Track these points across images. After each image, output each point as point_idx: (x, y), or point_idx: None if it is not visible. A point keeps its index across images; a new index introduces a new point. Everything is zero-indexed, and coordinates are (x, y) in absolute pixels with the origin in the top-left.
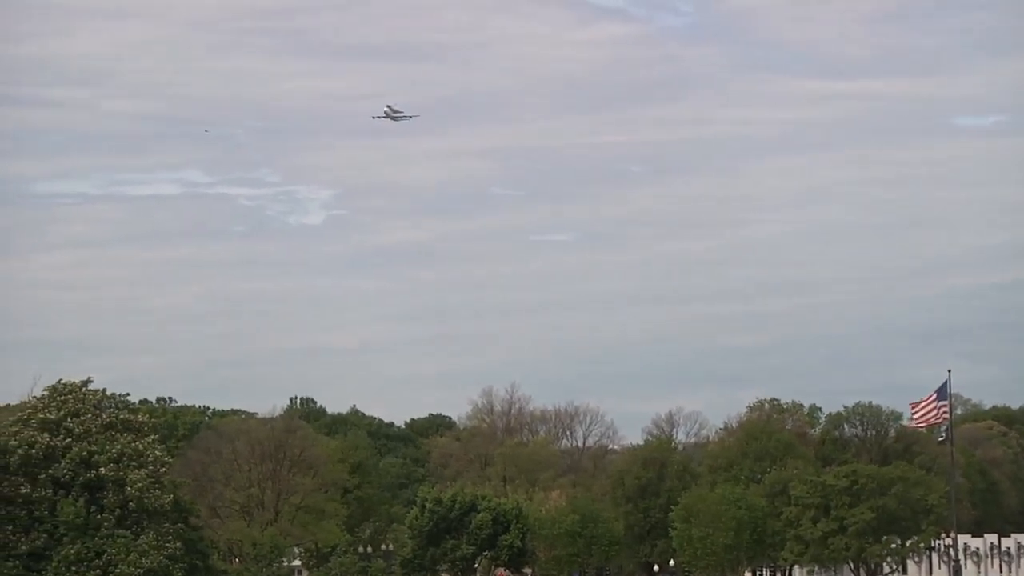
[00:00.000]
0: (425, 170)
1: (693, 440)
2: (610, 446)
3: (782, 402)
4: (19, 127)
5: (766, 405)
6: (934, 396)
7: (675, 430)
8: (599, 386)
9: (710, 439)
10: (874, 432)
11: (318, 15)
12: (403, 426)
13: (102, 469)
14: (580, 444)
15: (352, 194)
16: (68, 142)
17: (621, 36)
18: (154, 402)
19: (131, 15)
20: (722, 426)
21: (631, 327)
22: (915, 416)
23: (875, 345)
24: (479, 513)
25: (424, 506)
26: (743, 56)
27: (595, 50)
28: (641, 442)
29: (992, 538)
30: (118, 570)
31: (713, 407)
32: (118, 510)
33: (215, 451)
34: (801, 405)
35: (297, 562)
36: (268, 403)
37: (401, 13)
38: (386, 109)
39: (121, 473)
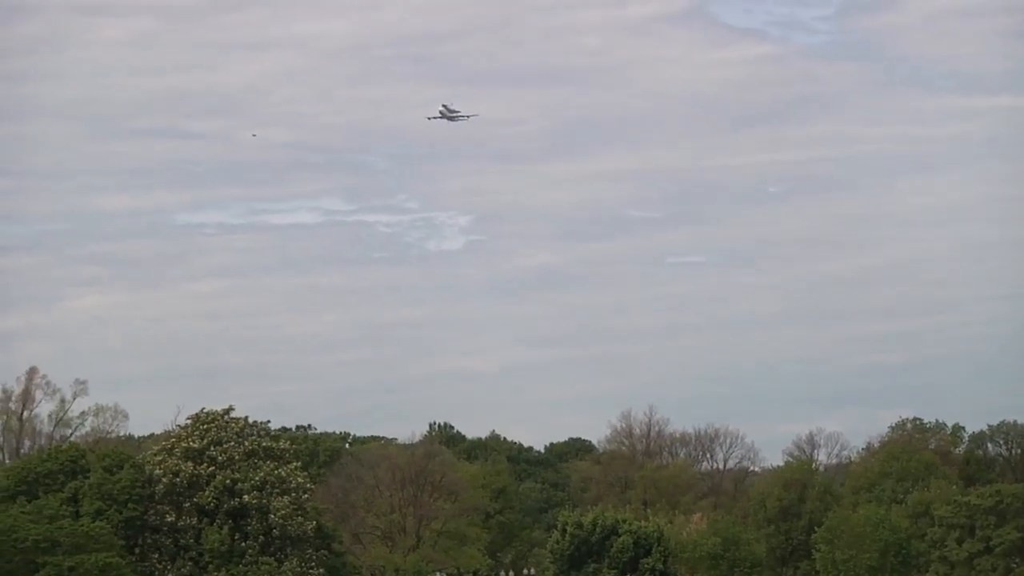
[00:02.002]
0: (562, 193)
1: (835, 461)
2: (751, 468)
3: (925, 422)
4: (162, 159)
5: (908, 425)
6: None
7: (816, 451)
8: (739, 408)
9: (852, 460)
10: (1019, 451)
11: (455, 42)
12: (542, 450)
13: (246, 497)
14: (720, 466)
15: (490, 219)
16: (209, 173)
17: (757, 56)
18: (295, 429)
19: (271, 46)
20: (864, 447)
21: (770, 348)
22: None
23: (1019, 363)
24: (620, 537)
25: (565, 530)
26: (881, 73)
27: (731, 71)
28: (782, 464)
29: None
30: None
31: (854, 428)
32: (262, 537)
33: (356, 477)
34: (944, 424)
35: None
36: (408, 429)
37: (537, 39)
38: (441, 109)
39: (264, 500)
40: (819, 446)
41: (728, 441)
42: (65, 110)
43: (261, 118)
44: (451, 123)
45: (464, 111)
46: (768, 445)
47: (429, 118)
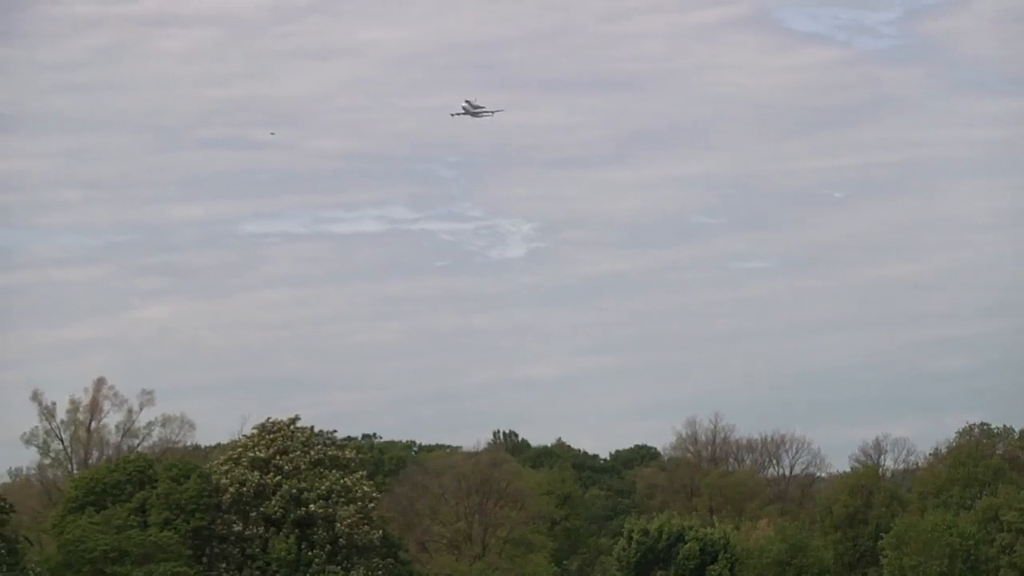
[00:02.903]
0: (625, 200)
1: (901, 467)
2: (817, 474)
3: (992, 426)
4: (226, 169)
5: (976, 430)
6: None
7: (883, 457)
8: (805, 414)
9: (919, 465)
10: None
11: (516, 49)
12: (608, 457)
13: (312, 506)
14: (787, 473)
15: (553, 226)
16: (274, 182)
17: (821, 61)
18: (360, 438)
19: (334, 55)
20: (931, 452)
21: (836, 353)
22: None
23: None
24: (686, 544)
25: (631, 537)
26: (946, 77)
27: (795, 75)
28: (848, 470)
29: None
30: None
31: (921, 433)
32: (328, 546)
33: (422, 486)
34: (1012, 429)
35: None
36: (473, 437)
37: (599, 45)
38: (465, 105)
39: (330, 509)
40: (886, 452)
41: (794, 447)
42: (130, 121)
43: (324, 127)
44: (475, 119)
45: (489, 106)
46: (835, 451)
47: (452, 114)
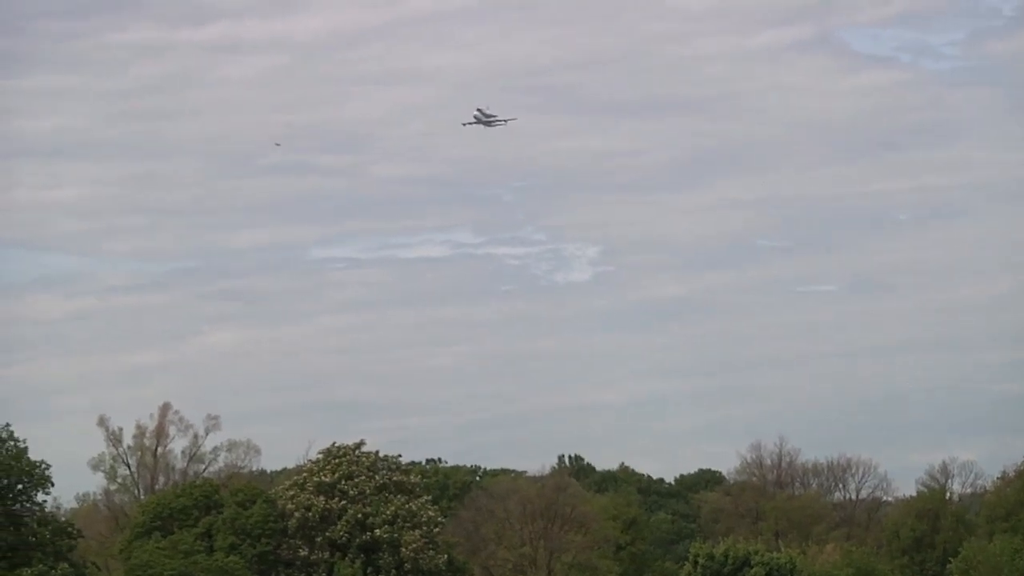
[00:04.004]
0: (690, 223)
1: (969, 491)
2: (884, 498)
3: None
4: (292, 194)
5: None
6: None
7: (950, 480)
8: (871, 437)
9: (986, 489)
10: None
11: (581, 72)
12: (672, 482)
13: (377, 531)
14: (853, 497)
15: (618, 250)
16: (339, 208)
17: (886, 83)
18: (425, 463)
19: (397, 81)
20: (998, 475)
21: (902, 376)
22: None
23: None
24: (752, 568)
25: (697, 562)
26: (1011, 98)
27: (859, 97)
28: (915, 494)
29: None
30: None
31: (988, 456)
32: (394, 571)
33: (487, 510)
34: None
35: None
36: (538, 461)
37: (662, 67)
38: (476, 114)
39: (396, 534)
40: (953, 475)
41: (860, 471)
42: (197, 147)
43: (388, 152)
44: (487, 128)
45: (501, 115)
46: (901, 474)
47: (464, 124)
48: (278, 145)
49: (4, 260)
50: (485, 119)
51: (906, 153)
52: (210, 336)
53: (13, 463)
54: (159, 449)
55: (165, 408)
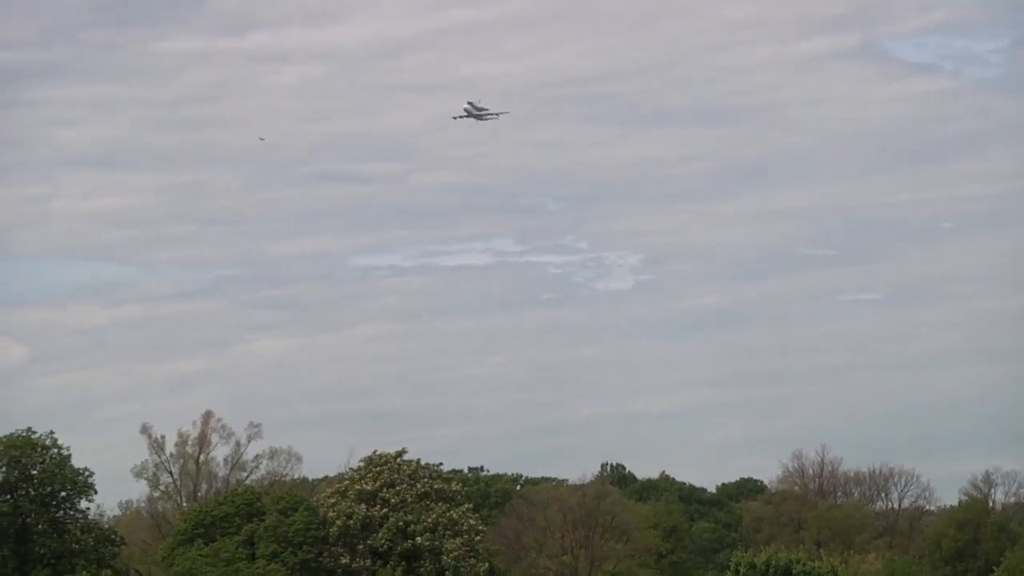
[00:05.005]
0: (733, 232)
1: (1012, 500)
2: (926, 507)
3: None
4: (335, 203)
5: None
6: None
7: (993, 490)
8: (913, 446)
9: None
10: None
11: (623, 82)
12: (714, 491)
13: (418, 538)
14: (895, 506)
15: (660, 259)
16: (381, 216)
17: (930, 91)
18: (467, 471)
19: (439, 90)
20: None
21: (945, 385)
22: None
23: None
24: None
25: (738, 571)
26: None
27: (903, 106)
28: (958, 503)
29: None
30: None
31: None
32: None
33: (528, 519)
34: None
35: None
36: (579, 470)
37: (704, 77)
38: (467, 107)
39: (437, 542)
40: (996, 485)
41: (903, 480)
42: (240, 156)
43: (431, 161)
44: (480, 122)
45: (492, 108)
46: (944, 484)
47: (455, 117)
48: (262, 140)
49: (49, 269)
50: (476, 112)
51: (950, 161)
52: (253, 344)
53: (57, 471)
54: (201, 457)
55: (207, 416)
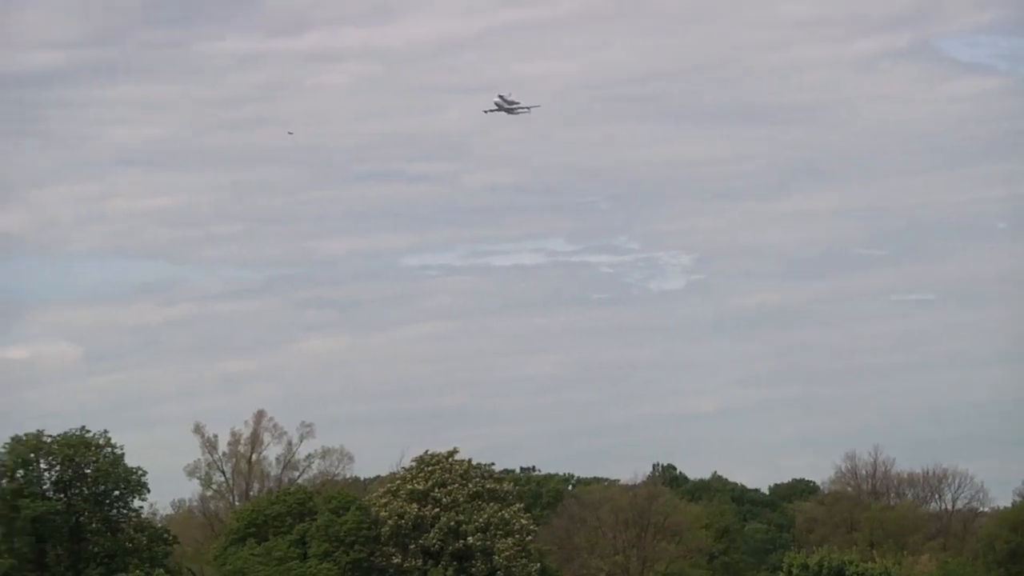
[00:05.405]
0: (785, 232)
1: None
2: (980, 509)
3: None
4: (386, 202)
5: None
6: None
7: None
8: (967, 447)
9: None
10: None
11: (676, 80)
12: (766, 491)
13: (470, 538)
14: (949, 507)
15: (712, 258)
16: (433, 215)
17: (983, 90)
18: (519, 471)
19: (491, 89)
20: None
21: (999, 386)
22: None
23: None
24: None
25: (791, 572)
26: None
27: (957, 105)
28: (1011, 504)
29: None
30: None
31: None
32: None
33: (579, 519)
34: None
35: None
36: (631, 470)
37: (757, 75)
38: (498, 100)
39: (488, 542)
40: None
41: (956, 481)
42: (292, 155)
43: (483, 160)
44: (510, 116)
45: (524, 102)
46: (998, 485)
47: (486, 111)
48: (291, 134)
49: (102, 268)
50: (507, 106)
51: (1004, 161)
52: (305, 343)
53: (110, 469)
54: (254, 456)
55: (260, 415)
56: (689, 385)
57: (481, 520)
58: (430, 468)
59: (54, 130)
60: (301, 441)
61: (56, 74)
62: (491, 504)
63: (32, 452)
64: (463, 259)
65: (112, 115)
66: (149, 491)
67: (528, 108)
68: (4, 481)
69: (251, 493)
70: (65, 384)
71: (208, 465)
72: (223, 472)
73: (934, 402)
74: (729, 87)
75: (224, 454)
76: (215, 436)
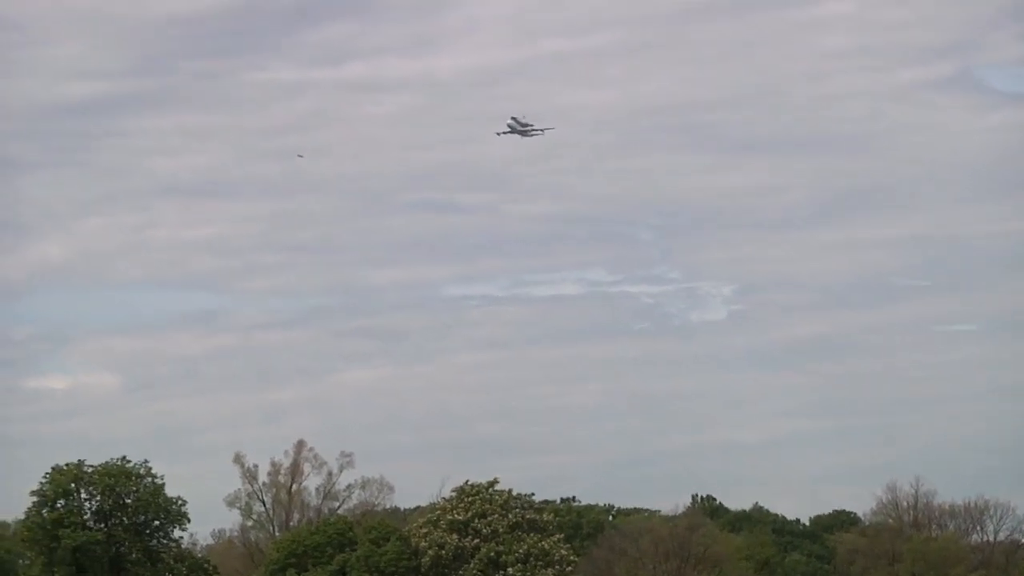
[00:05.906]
0: (827, 262)
1: None
2: (1022, 541)
3: None
4: (430, 232)
5: None
6: None
7: None
8: (1009, 479)
9: None
10: None
11: (719, 111)
12: (807, 523)
13: (510, 569)
14: (991, 539)
15: (754, 289)
16: (475, 246)
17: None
18: (559, 501)
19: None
20: None
21: None
22: None
23: None
24: None
25: None
26: None
27: (999, 135)
28: None
29: None
30: None
31: None
32: None
33: (620, 549)
34: None
35: None
36: (671, 501)
37: (798, 106)
38: (511, 122)
39: (528, 573)
40: None
41: (999, 513)
42: (335, 185)
43: (525, 190)
44: (524, 138)
45: (537, 124)
46: None
47: (498, 133)
48: (301, 156)
49: (144, 299)
50: (521, 128)
51: None
52: (346, 373)
53: (151, 499)
54: (294, 486)
55: (300, 445)
56: (730, 416)
57: (521, 551)
58: (470, 499)
59: (96, 160)
60: (341, 471)
61: (98, 104)
62: (531, 535)
63: (73, 482)
64: (504, 289)
65: (154, 145)
66: (189, 521)
67: (542, 130)
68: (45, 511)
69: (291, 523)
70: (106, 414)
71: (248, 495)
72: (263, 502)
73: (976, 433)
74: (770, 117)
75: (264, 484)
76: (255, 466)
